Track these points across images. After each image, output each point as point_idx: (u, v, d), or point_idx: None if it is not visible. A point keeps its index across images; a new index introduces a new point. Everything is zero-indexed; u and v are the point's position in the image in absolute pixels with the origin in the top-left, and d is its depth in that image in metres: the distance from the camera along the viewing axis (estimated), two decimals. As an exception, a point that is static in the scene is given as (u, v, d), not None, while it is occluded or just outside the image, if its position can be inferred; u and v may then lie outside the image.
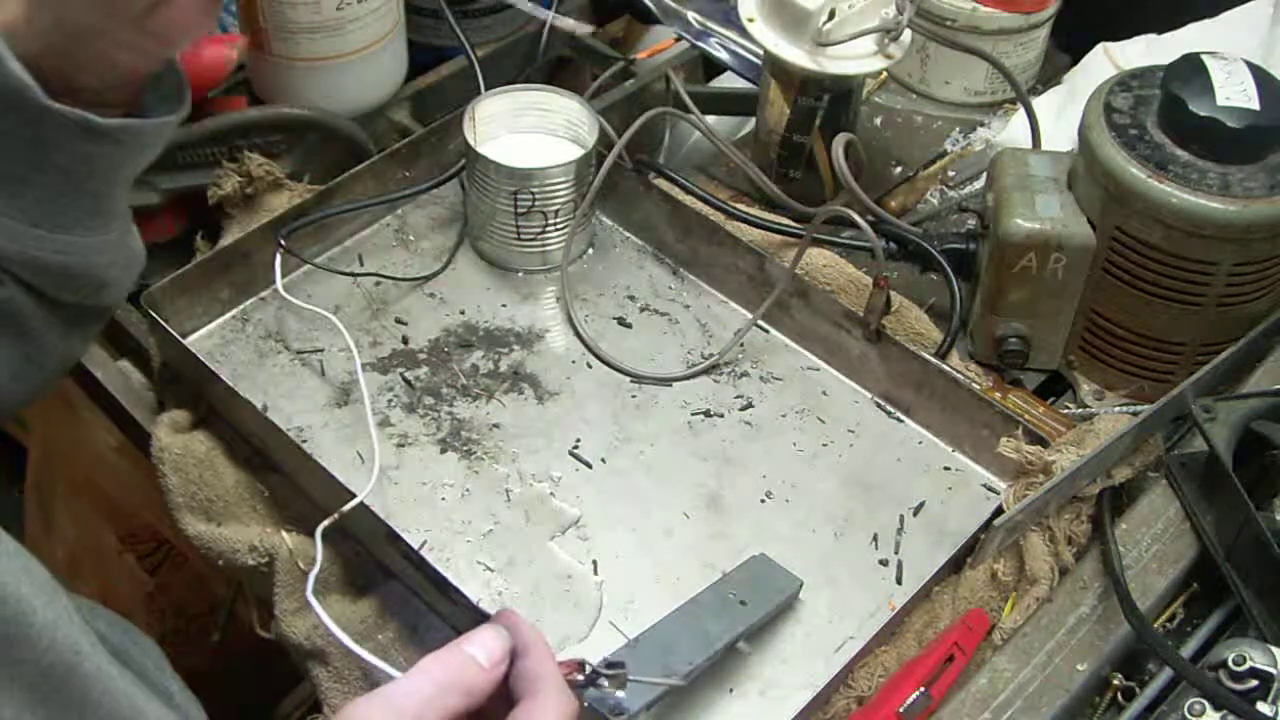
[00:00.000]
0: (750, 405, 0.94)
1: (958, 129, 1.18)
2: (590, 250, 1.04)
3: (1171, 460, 0.85)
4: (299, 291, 0.98)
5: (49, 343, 0.75)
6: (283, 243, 0.94)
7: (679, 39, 1.20)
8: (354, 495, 0.81)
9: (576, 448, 0.90)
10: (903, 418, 0.93)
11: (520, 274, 1.02)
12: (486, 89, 1.04)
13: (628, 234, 1.05)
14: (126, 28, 0.71)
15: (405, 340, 0.96)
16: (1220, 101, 0.85)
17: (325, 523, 0.80)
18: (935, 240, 0.98)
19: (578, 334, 0.97)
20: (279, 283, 0.94)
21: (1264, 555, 0.75)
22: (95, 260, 0.74)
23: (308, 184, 1.02)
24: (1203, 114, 0.84)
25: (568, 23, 1.06)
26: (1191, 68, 0.87)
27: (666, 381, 0.95)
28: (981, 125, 1.18)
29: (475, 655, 0.62)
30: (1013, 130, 1.12)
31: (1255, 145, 0.85)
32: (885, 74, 1.21)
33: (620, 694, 0.71)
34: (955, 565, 0.84)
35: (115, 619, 0.65)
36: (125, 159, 0.73)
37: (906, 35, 1.00)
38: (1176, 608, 0.81)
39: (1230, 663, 0.71)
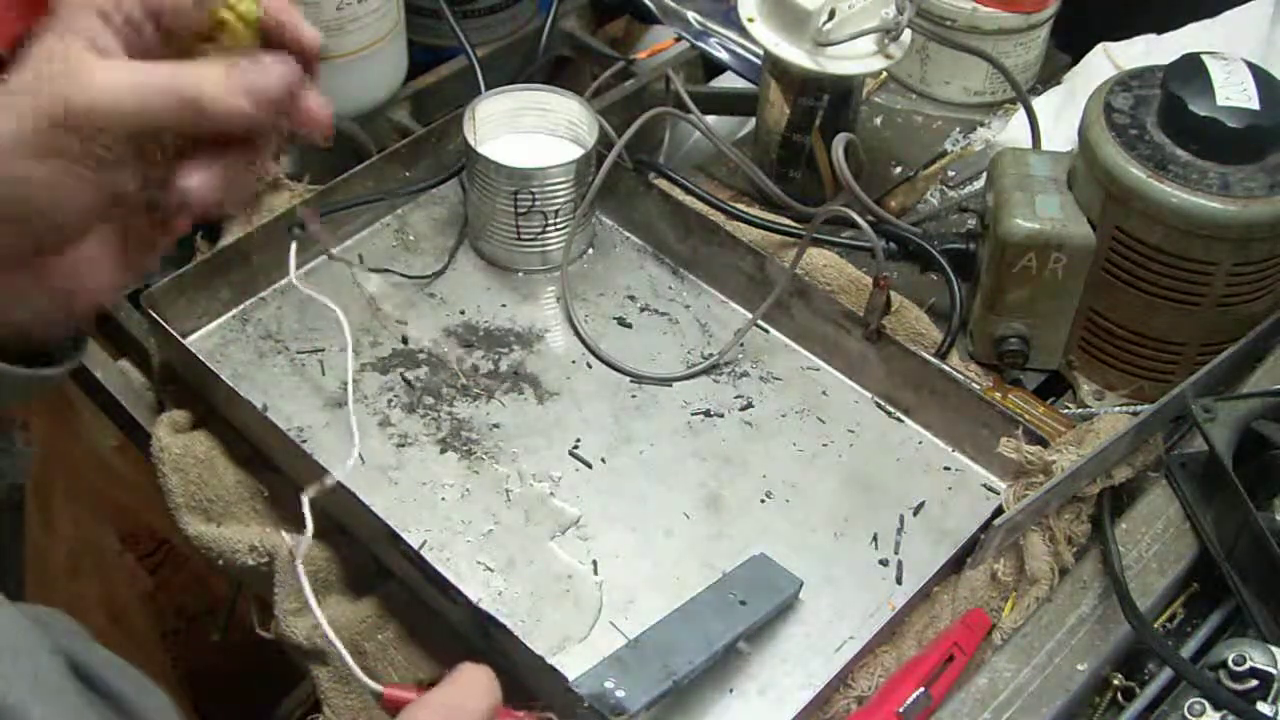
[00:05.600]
0: (750, 405, 0.94)
1: (958, 129, 1.18)
2: (590, 250, 1.04)
3: (1171, 460, 0.85)
4: (298, 291, 0.98)
5: None
6: (298, 231, 0.94)
7: (679, 39, 1.21)
8: (356, 497, 0.81)
9: (576, 448, 0.90)
10: (903, 418, 0.93)
11: (520, 274, 1.02)
12: (486, 89, 1.04)
13: (628, 234, 1.05)
14: (21, 277, 0.60)
15: (405, 340, 0.96)
16: (1220, 101, 0.85)
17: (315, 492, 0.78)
18: (935, 240, 0.98)
19: (578, 334, 0.97)
20: (293, 274, 0.93)
21: (1264, 555, 0.75)
22: None
23: (308, 184, 1.02)
24: (1203, 114, 0.84)
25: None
26: (1191, 68, 0.87)
27: (666, 381, 0.95)
28: (981, 125, 1.18)
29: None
30: (1013, 130, 1.12)
31: (1255, 145, 0.85)
32: (885, 74, 1.21)
33: (620, 694, 0.71)
34: (955, 565, 0.84)
35: (126, 670, 0.57)
36: None
37: (906, 35, 1.00)
38: (1176, 608, 0.81)
39: (1230, 663, 0.71)
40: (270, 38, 0.61)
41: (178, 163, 0.60)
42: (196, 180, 0.60)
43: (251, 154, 0.62)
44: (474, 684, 0.62)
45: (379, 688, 0.64)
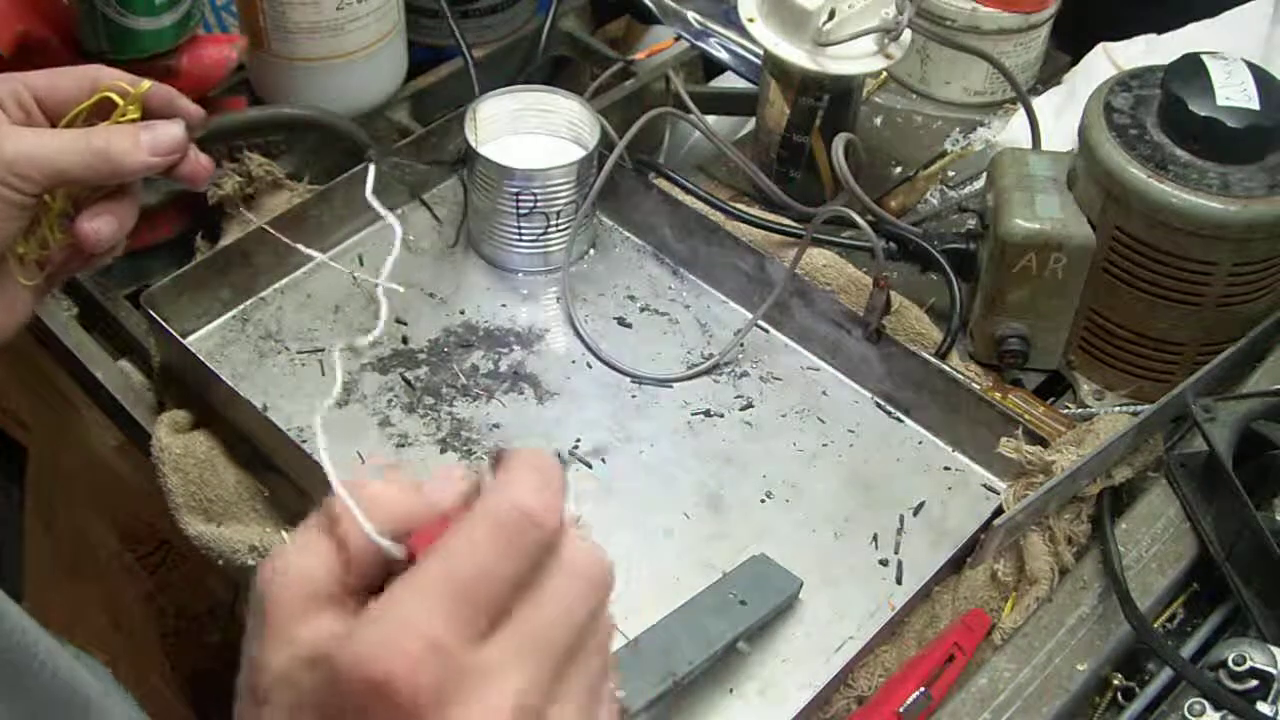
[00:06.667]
0: (750, 405, 0.94)
1: (958, 129, 1.18)
2: (591, 251, 1.04)
3: (1171, 460, 0.85)
4: (300, 290, 0.98)
5: None
6: (374, 158, 0.97)
7: (679, 39, 1.20)
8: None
9: (576, 448, 0.90)
10: (903, 418, 0.93)
11: (520, 274, 1.02)
12: (488, 89, 1.04)
13: (628, 234, 1.05)
14: None
15: (405, 340, 0.96)
16: (1220, 101, 0.85)
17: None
18: (935, 240, 0.98)
19: (578, 334, 0.97)
20: (369, 193, 0.93)
21: (1264, 555, 0.75)
22: None
23: (308, 184, 1.02)
24: (1203, 114, 0.84)
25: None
26: (1191, 68, 0.87)
27: (666, 382, 0.95)
28: (981, 125, 1.18)
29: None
30: (1013, 130, 1.12)
31: (1255, 145, 0.85)
32: (885, 74, 1.21)
33: (620, 694, 0.71)
34: (955, 565, 0.84)
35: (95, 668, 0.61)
36: None
37: (906, 35, 1.00)
38: (1176, 608, 0.81)
39: (1230, 663, 0.71)
40: (159, 113, 0.74)
41: (75, 214, 0.71)
42: (100, 222, 0.72)
43: (132, 203, 0.74)
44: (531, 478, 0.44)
45: (398, 549, 0.45)
